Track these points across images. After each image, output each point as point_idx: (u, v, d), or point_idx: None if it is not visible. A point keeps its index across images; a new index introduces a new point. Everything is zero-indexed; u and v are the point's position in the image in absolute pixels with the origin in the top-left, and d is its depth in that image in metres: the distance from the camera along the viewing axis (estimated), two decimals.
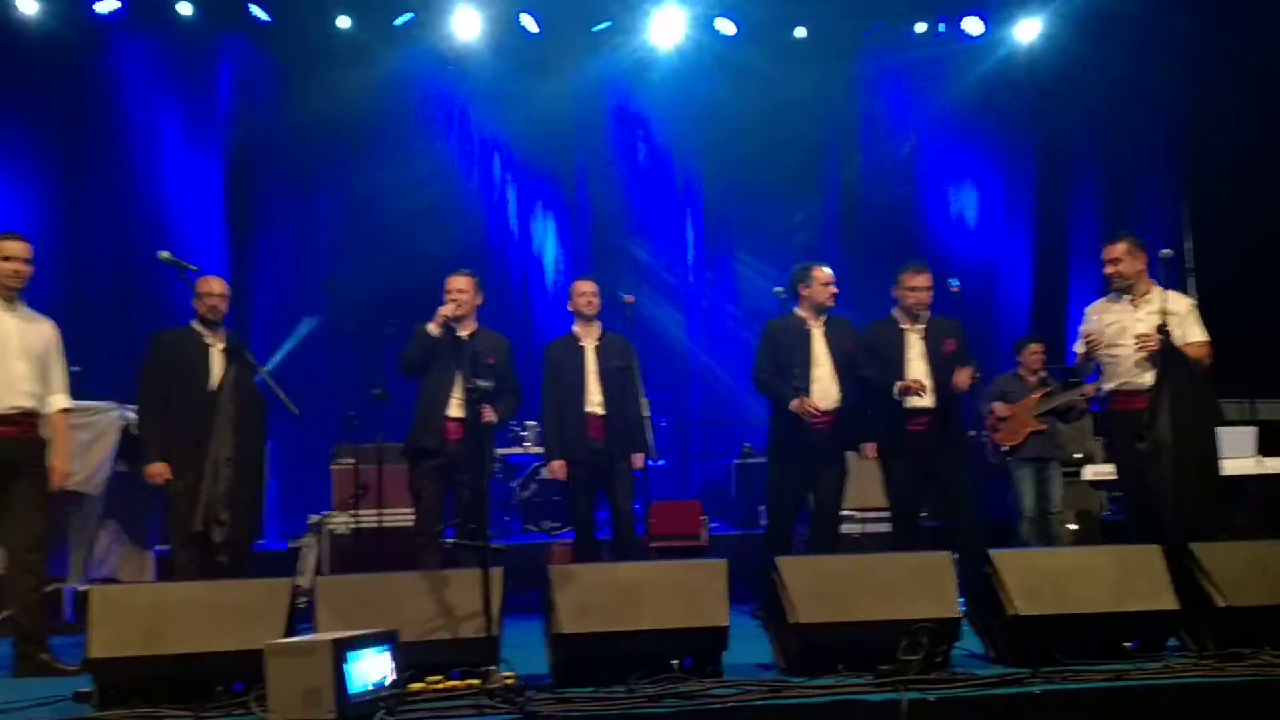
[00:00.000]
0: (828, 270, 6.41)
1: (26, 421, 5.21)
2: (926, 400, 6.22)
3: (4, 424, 5.13)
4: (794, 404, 6.13)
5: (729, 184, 10.81)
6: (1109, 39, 10.34)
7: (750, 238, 10.80)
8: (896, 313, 6.43)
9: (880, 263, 10.70)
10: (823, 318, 6.42)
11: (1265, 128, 9.49)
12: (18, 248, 5.23)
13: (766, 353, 6.41)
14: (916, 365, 6.29)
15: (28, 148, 9.20)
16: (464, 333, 6.18)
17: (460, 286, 6.19)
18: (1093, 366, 6.12)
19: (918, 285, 6.32)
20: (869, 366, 6.36)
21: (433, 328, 6.10)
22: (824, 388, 6.26)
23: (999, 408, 7.72)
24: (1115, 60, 10.33)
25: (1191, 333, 5.88)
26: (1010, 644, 4.48)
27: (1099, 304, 6.21)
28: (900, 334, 6.36)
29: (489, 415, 5.83)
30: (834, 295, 6.40)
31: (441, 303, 6.18)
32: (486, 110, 10.43)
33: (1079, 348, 6.14)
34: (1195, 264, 9.62)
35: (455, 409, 6.05)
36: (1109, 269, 6.03)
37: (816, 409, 6.12)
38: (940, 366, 6.25)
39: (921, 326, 6.37)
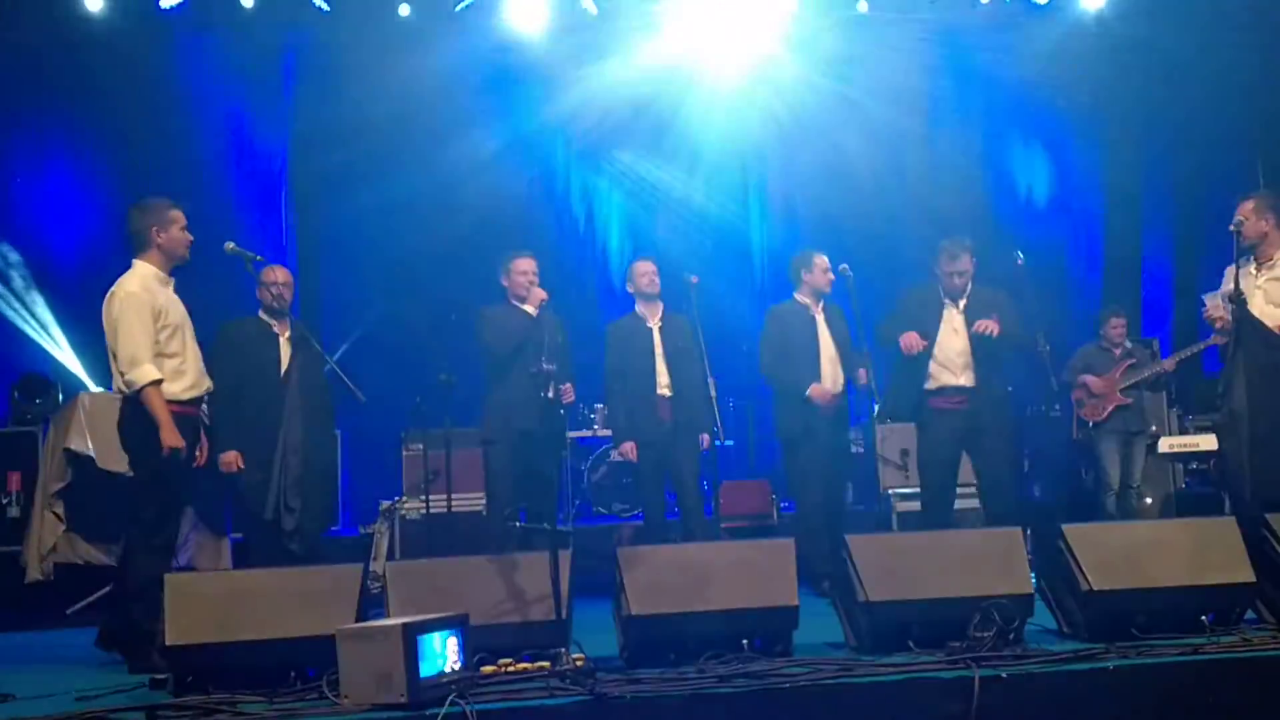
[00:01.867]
0: (826, 257, 6.60)
1: (202, 404, 5.27)
2: (962, 378, 6.18)
3: (198, 406, 5.15)
4: (811, 390, 6.34)
5: (794, 163, 10.70)
6: (1179, 6, 10.08)
7: (816, 216, 10.70)
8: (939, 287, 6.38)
9: (948, 237, 10.61)
10: (822, 303, 6.59)
11: None
12: (183, 214, 5.17)
13: (772, 341, 6.57)
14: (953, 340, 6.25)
15: (94, 141, 9.36)
16: (534, 313, 6.23)
17: (535, 267, 6.32)
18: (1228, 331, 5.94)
19: (955, 270, 6.26)
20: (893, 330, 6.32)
21: (531, 309, 6.19)
22: (832, 371, 6.47)
23: (1092, 382, 7.62)
24: (1185, 24, 10.05)
25: None
26: (1084, 619, 4.43)
27: (1232, 268, 6.01)
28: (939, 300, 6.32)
29: (571, 395, 5.97)
30: (831, 281, 6.56)
31: (496, 282, 6.35)
32: (547, 95, 10.41)
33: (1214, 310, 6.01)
34: None
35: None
36: (1233, 227, 5.85)
37: (829, 395, 6.36)
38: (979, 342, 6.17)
39: (963, 302, 6.30)
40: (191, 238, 5.14)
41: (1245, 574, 4.45)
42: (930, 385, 6.25)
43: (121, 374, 4.88)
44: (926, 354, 6.21)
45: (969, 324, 6.20)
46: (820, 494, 6.51)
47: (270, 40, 9.77)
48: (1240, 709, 3.87)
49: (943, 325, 6.27)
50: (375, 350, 9.28)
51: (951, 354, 6.21)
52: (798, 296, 6.68)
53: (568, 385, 6.00)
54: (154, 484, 4.94)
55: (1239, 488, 5.46)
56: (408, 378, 7.89)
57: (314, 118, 9.78)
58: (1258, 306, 5.63)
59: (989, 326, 6.06)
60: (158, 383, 4.85)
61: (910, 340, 6.12)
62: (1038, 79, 10.64)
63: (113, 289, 4.98)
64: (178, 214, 5.11)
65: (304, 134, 9.81)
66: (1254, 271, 5.78)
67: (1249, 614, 4.57)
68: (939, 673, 3.88)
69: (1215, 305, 5.87)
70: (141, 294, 4.93)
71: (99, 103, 9.30)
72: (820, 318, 6.60)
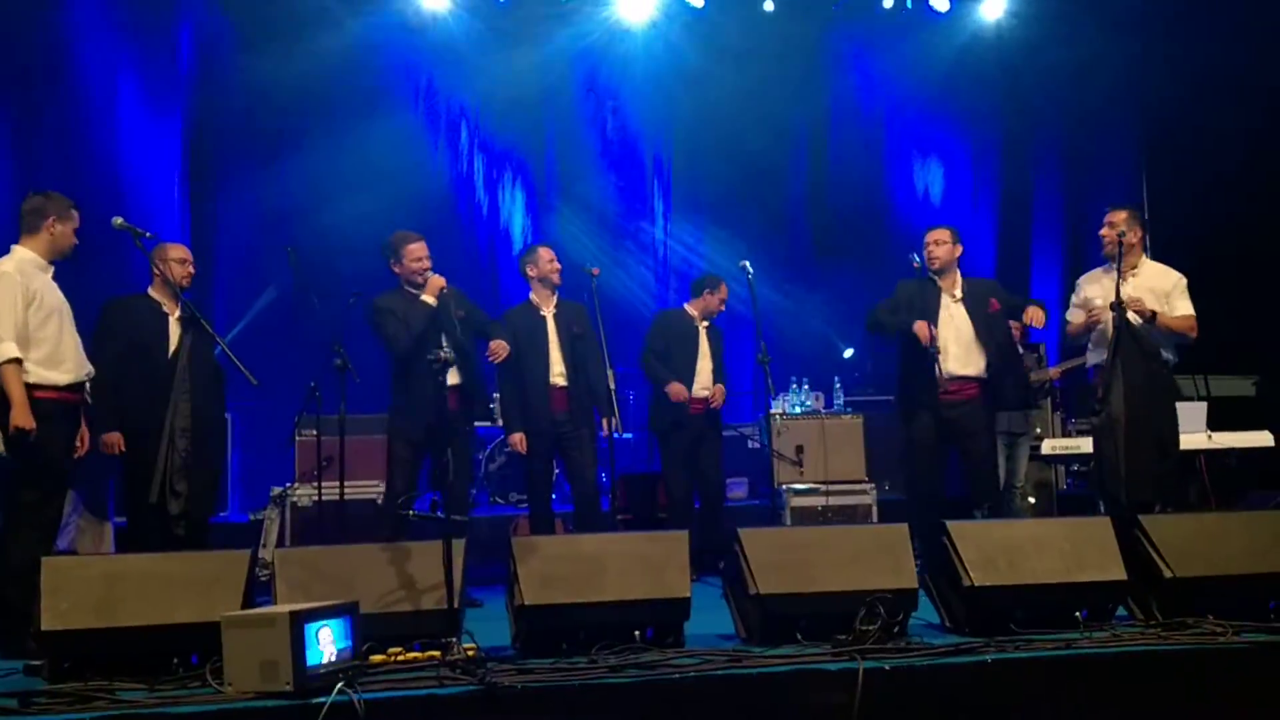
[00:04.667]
0: (727, 287, 7.25)
1: (84, 390, 5.21)
2: (961, 368, 6.23)
3: (78, 392, 5.11)
4: (671, 388, 6.94)
5: (698, 157, 10.79)
6: (1072, 15, 10.41)
7: (719, 211, 10.80)
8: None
9: (847, 237, 10.82)
10: (708, 322, 7.24)
11: (1224, 103, 9.57)
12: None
13: (656, 340, 7.14)
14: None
15: None
16: (426, 296, 6.09)
17: (426, 253, 6.12)
18: (1090, 336, 6.14)
19: (932, 239, 6.42)
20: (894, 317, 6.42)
21: (430, 299, 6.00)
22: (704, 379, 7.08)
23: None
24: (1078, 36, 10.39)
25: (1178, 306, 5.94)
26: (965, 613, 4.55)
27: (1093, 274, 6.25)
28: (937, 292, 6.38)
29: (502, 351, 6.10)
30: (722, 311, 7.29)
31: (384, 268, 6.21)
32: (453, 80, 10.33)
33: (1074, 317, 6.19)
34: (1152, 241, 9.73)
35: (454, 377, 5.93)
36: (1104, 231, 6.06)
37: (687, 397, 6.94)
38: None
39: (958, 291, 6.39)
40: (77, 242, 5.16)
41: (1118, 572, 4.62)
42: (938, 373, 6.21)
43: None
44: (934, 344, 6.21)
45: (969, 313, 6.29)
46: (687, 484, 7.07)
47: (167, 9, 9.43)
48: (1109, 701, 4.02)
49: (941, 313, 6.30)
50: (270, 333, 9.09)
51: (951, 344, 6.22)
52: (688, 308, 7.28)
53: (496, 342, 6.08)
54: (30, 465, 4.86)
55: (1114, 489, 5.66)
56: (303, 361, 7.76)
57: (212, 92, 9.51)
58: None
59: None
60: (16, 361, 4.81)
61: (925, 329, 6.16)
62: (937, 82, 10.90)
63: None
64: (76, 214, 5.15)
65: (201, 109, 9.51)
66: (1120, 280, 6.01)
67: (1120, 610, 4.74)
68: (825, 664, 3.96)
69: (1091, 311, 6.09)
70: (14, 275, 4.89)
71: None
72: (703, 332, 7.20)
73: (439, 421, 5.81)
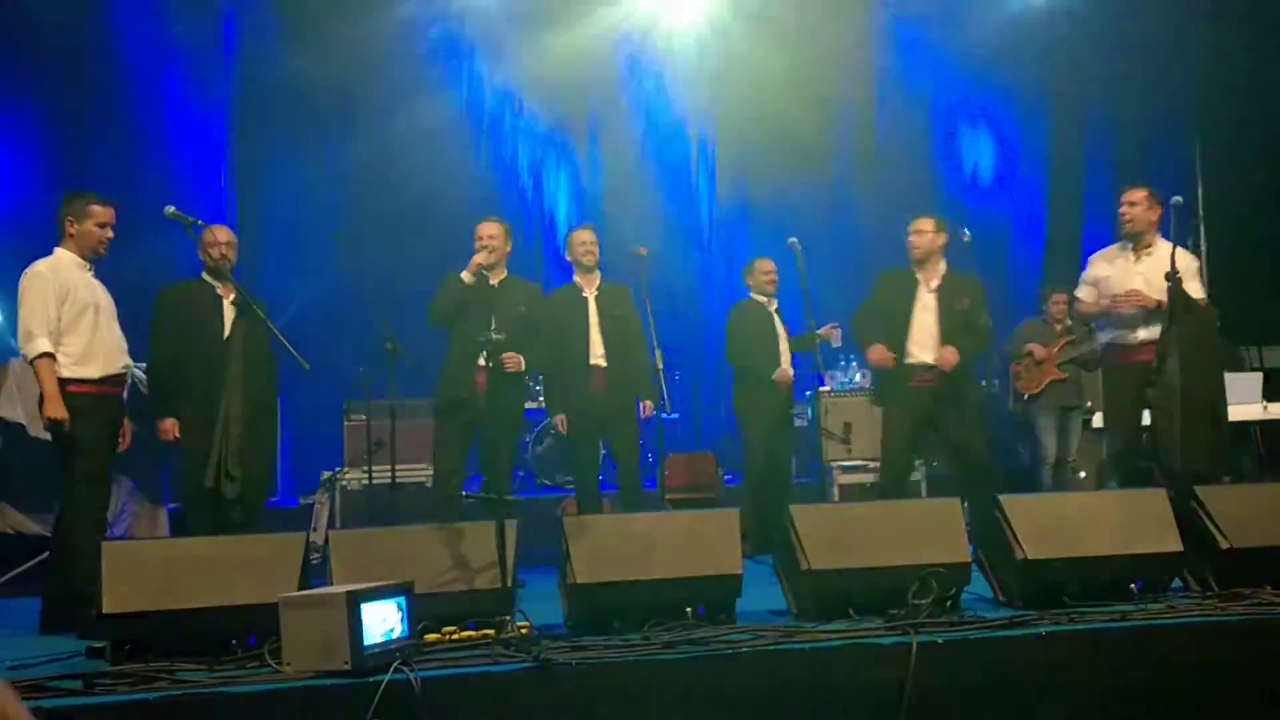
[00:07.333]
0: (767, 260, 7.33)
1: (124, 383, 5.37)
2: (929, 356, 6.19)
3: (113, 385, 5.25)
4: (777, 374, 7.09)
5: (744, 137, 10.72)
6: None
7: (765, 190, 10.73)
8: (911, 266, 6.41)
9: (896, 215, 10.70)
10: (775, 303, 7.32)
11: (1278, 76, 9.39)
12: (112, 213, 5.28)
13: (737, 333, 7.26)
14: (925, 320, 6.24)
15: (29, 104, 9.02)
16: (494, 281, 6.17)
17: (492, 233, 6.21)
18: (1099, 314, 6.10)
19: (919, 229, 6.33)
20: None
21: (467, 276, 6.10)
22: (785, 360, 7.18)
23: (1037, 350, 7.74)
24: (1129, 7, 10.20)
25: (1191, 289, 5.86)
26: (1019, 587, 4.51)
27: (1105, 252, 6.21)
28: (914, 284, 6.33)
29: (513, 365, 6.01)
30: (773, 282, 7.31)
31: (469, 252, 6.22)
32: (497, 61, 10.33)
33: (1086, 295, 6.14)
34: (1205, 212, 9.59)
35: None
36: (1124, 209, 6.01)
37: (790, 377, 7.14)
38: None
39: (935, 283, 6.30)
40: (110, 236, 5.25)
41: (1173, 544, 4.57)
42: (904, 362, 6.22)
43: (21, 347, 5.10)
44: (902, 335, 6.21)
45: (941, 306, 6.22)
46: (764, 462, 7.04)
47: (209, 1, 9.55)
48: (1166, 673, 3.98)
49: (915, 305, 6.27)
50: (320, 318, 9.15)
51: (923, 333, 6.20)
52: (754, 296, 7.33)
53: (509, 354, 6.01)
54: (70, 455, 5.08)
55: (1169, 460, 5.60)
56: (353, 345, 7.82)
57: (257, 79, 9.58)
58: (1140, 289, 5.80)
59: (946, 360, 6.09)
60: (48, 356, 5.01)
61: (879, 356, 6.19)
62: (985, 56, 10.73)
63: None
64: (99, 210, 5.22)
65: (247, 96, 9.60)
66: (1133, 258, 5.96)
67: (1176, 582, 4.69)
68: (878, 639, 3.94)
69: (1093, 291, 6.05)
70: (47, 274, 5.09)
71: (34, 62, 8.98)
72: (775, 316, 7.28)
73: (463, 396, 5.99)
